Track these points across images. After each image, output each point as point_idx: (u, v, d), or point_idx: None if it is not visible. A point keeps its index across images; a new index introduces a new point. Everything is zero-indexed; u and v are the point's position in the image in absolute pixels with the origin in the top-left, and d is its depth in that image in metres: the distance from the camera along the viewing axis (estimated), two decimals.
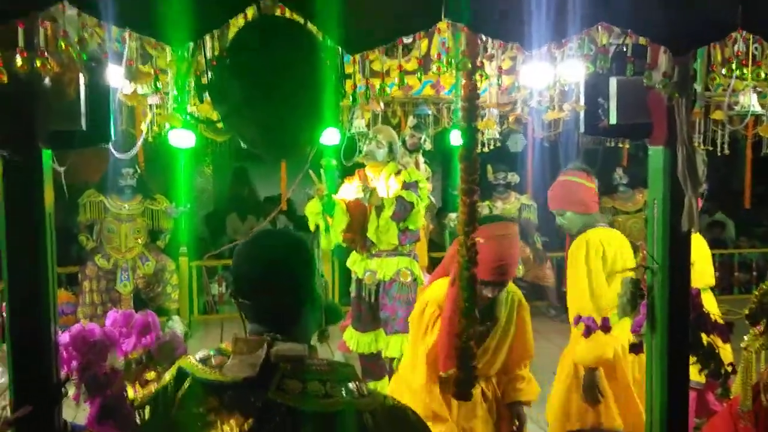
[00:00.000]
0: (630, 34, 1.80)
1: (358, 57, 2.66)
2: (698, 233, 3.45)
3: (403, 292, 4.61)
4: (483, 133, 5.75)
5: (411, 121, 6.18)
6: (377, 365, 4.76)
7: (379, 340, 4.66)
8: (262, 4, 1.44)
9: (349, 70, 2.89)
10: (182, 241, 7.07)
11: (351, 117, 4.80)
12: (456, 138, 4.44)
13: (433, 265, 6.94)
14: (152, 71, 1.59)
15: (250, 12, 1.47)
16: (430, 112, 6.39)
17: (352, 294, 4.75)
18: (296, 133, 1.48)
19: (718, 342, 2.08)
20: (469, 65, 1.69)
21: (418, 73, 2.90)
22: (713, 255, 8.26)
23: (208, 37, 1.53)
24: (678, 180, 1.83)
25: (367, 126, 5.40)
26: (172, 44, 1.37)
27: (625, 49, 1.86)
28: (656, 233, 1.95)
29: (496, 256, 2.60)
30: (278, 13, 1.49)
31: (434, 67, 1.64)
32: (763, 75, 1.91)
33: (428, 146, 6.28)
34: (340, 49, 1.54)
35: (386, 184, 4.64)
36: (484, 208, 7.51)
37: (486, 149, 5.93)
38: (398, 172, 4.76)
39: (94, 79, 1.48)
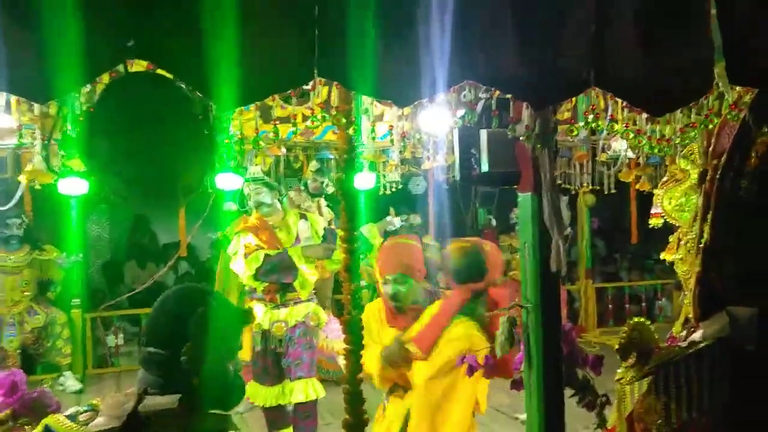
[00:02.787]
0: (494, 90, 1.93)
1: (258, 103, 2.69)
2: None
3: (307, 336, 4.58)
4: (384, 176, 5.90)
5: (313, 165, 6.23)
6: (282, 414, 4.67)
7: (286, 391, 4.57)
8: (129, 62, 1.45)
9: (249, 115, 2.90)
10: (75, 292, 6.73)
11: (247, 163, 4.78)
12: (359, 181, 4.52)
13: (338, 306, 6.96)
14: (15, 126, 1.55)
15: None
16: (332, 157, 6.48)
17: (256, 348, 4.62)
18: (165, 186, 1.49)
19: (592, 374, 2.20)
20: (343, 120, 1.76)
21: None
22: (606, 289, 8.78)
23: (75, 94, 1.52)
24: (545, 224, 1.95)
25: (267, 172, 5.40)
26: (36, 100, 1.35)
27: (492, 103, 1.99)
28: (528, 274, 2.06)
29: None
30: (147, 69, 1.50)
31: (309, 122, 1.69)
32: (616, 127, 2.08)
33: (330, 190, 6.33)
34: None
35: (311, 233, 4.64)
36: None
37: (388, 192, 6.06)
38: (304, 217, 4.78)
39: None
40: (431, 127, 2.79)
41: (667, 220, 2.29)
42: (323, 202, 6.21)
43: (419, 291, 3.18)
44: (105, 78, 1.51)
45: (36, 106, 1.58)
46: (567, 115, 4.10)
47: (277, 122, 2.40)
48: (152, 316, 1.58)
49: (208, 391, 1.52)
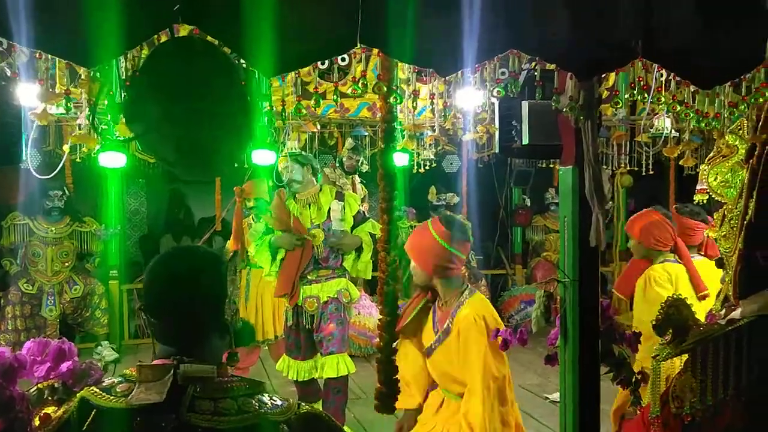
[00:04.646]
0: (539, 60, 1.90)
1: (292, 78, 2.68)
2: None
3: (339, 312, 4.59)
4: (418, 155, 5.87)
5: (349, 143, 6.23)
6: (314, 388, 4.73)
7: (318, 365, 4.61)
8: (176, 27, 1.46)
9: (287, 90, 2.91)
10: (113, 264, 6.88)
11: (284, 138, 4.78)
12: (395, 158, 4.45)
13: (370, 284, 6.99)
14: (63, 91, 1.57)
15: (164, 35, 1.49)
16: (366, 134, 6.47)
17: (288, 323, 4.66)
18: (209, 152, 1.50)
19: (628, 351, 2.18)
20: (384, 89, 1.75)
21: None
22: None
23: (121, 58, 1.54)
24: (586, 198, 1.93)
25: (302, 148, 5.41)
26: (84, 65, 1.37)
27: (535, 74, 1.96)
28: (567, 249, 2.05)
29: None
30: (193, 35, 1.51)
31: (349, 90, 1.68)
32: (663, 100, 2.03)
33: (365, 168, 6.34)
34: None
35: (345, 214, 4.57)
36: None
37: (422, 170, 6.03)
38: (340, 197, 4.68)
39: (3, 99, 1.46)
40: (467, 102, 2.75)
41: (713, 196, 2.24)
42: (357, 179, 6.21)
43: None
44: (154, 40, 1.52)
45: (82, 72, 1.61)
46: (605, 94, 4.03)
47: (313, 99, 2.40)
48: (182, 285, 1.47)
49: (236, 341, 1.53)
